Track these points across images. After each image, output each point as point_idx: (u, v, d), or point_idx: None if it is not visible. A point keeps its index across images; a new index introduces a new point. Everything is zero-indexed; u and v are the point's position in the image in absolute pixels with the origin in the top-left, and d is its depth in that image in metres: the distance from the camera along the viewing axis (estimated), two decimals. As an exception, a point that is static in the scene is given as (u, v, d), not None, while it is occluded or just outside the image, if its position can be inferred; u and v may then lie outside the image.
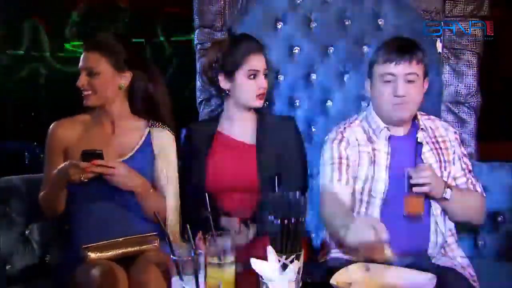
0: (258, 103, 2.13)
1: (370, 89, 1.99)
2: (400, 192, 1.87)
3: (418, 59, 1.90)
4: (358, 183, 1.95)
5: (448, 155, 1.98)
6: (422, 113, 2.05)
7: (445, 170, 1.96)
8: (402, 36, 2.16)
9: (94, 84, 1.95)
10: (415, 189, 1.84)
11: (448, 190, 1.87)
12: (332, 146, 1.99)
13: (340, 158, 1.96)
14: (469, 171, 2.00)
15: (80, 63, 1.98)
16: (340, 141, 1.99)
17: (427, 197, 1.89)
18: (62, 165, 1.86)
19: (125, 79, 1.99)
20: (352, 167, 1.95)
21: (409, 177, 1.84)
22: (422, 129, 1.97)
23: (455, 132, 2.05)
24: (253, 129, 2.17)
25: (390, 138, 1.97)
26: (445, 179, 1.94)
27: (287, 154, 2.12)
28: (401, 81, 1.89)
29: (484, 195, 1.99)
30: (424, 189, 1.84)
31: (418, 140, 1.96)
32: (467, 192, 1.96)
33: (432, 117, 2.08)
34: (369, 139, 1.99)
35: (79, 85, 1.96)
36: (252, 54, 2.09)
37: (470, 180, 1.98)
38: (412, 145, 1.96)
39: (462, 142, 2.11)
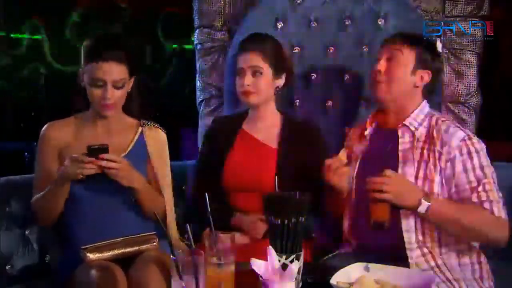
0: (243, 99, 2.14)
1: None
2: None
3: (405, 41, 1.92)
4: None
5: (434, 158, 1.83)
6: (434, 112, 1.98)
7: (423, 171, 1.83)
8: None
9: (119, 96, 1.93)
10: (374, 194, 1.73)
11: (424, 202, 1.72)
12: None
13: None
14: (479, 185, 1.79)
15: (105, 75, 1.87)
16: None
17: (399, 208, 1.76)
18: (65, 162, 1.84)
19: (131, 82, 2.00)
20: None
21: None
22: (404, 124, 1.91)
23: (464, 141, 1.83)
24: (277, 132, 2.16)
25: (375, 129, 1.98)
26: (420, 180, 1.82)
27: (308, 162, 2.07)
28: (383, 58, 1.92)
29: (497, 213, 1.77)
30: (384, 196, 1.71)
31: (399, 133, 1.91)
32: (461, 207, 1.79)
33: (445, 118, 1.96)
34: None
35: (108, 98, 1.89)
36: (241, 52, 2.12)
37: (477, 195, 1.78)
38: (394, 138, 1.92)
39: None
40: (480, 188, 1.79)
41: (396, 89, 1.92)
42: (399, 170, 1.85)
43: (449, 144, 1.82)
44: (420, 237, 1.81)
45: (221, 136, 2.19)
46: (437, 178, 1.82)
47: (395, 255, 1.78)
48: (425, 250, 1.81)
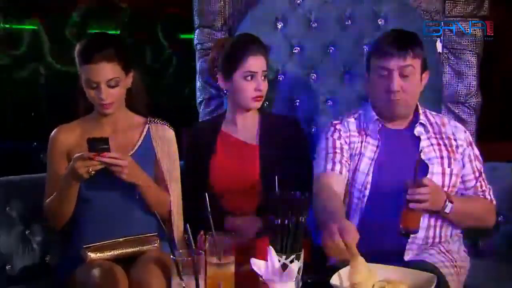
0: (255, 105, 2.13)
1: (368, 82, 1.96)
2: (389, 186, 1.83)
3: (414, 52, 1.85)
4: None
5: (453, 152, 1.90)
6: (430, 111, 2.01)
7: (448, 167, 1.88)
8: (400, 29, 2.11)
9: (115, 94, 1.92)
10: (411, 205, 1.71)
11: (449, 204, 1.79)
12: (325, 137, 1.98)
13: (334, 148, 1.93)
14: (480, 175, 1.93)
15: (96, 76, 1.87)
16: (333, 132, 1.97)
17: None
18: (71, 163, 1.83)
19: (130, 79, 1.99)
20: (345, 157, 1.92)
21: (406, 191, 1.73)
22: (421, 123, 1.93)
23: (465, 132, 1.97)
24: (256, 129, 2.17)
25: (382, 131, 1.93)
26: (447, 177, 1.88)
27: (290, 154, 2.10)
28: (396, 75, 1.85)
29: (494, 201, 1.94)
30: (422, 206, 1.71)
31: (416, 134, 1.92)
32: (471, 201, 1.91)
33: (441, 115, 2.04)
34: (361, 131, 1.96)
35: (103, 98, 1.89)
36: (249, 55, 2.07)
37: (480, 184, 1.92)
38: (410, 139, 1.92)
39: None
40: (480, 178, 1.93)
41: (414, 102, 1.93)
42: (429, 169, 1.87)
43: (458, 136, 1.93)
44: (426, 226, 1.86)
45: (202, 142, 2.18)
46: (458, 171, 1.90)
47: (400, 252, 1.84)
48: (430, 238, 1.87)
